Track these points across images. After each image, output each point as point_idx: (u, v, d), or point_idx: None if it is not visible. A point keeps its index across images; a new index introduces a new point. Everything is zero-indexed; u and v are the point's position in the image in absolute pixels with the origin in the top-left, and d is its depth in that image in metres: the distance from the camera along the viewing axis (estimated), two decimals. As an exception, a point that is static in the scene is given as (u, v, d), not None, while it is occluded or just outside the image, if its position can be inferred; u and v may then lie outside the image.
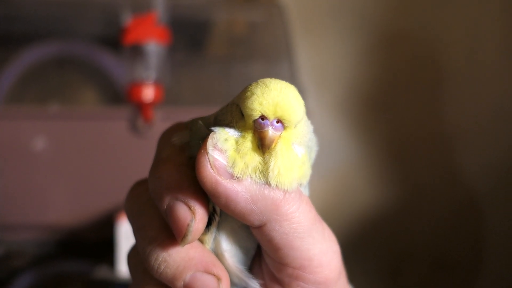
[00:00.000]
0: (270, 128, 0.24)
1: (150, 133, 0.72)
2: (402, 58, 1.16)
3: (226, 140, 0.24)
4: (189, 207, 0.24)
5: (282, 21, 0.80)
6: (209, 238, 0.26)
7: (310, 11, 1.06)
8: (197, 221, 0.24)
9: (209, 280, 0.25)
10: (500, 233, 1.15)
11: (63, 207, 0.72)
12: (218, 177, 0.23)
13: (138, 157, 0.71)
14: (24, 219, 0.73)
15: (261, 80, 0.25)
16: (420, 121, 1.14)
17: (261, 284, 0.27)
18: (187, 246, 0.25)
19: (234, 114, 0.25)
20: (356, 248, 1.24)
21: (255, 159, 0.24)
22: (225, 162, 0.24)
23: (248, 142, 0.24)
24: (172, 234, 0.25)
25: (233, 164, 0.24)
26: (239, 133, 0.25)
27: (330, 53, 1.11)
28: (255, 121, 0.24)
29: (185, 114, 0.77)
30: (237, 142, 0.24)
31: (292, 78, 0.78)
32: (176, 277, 0.25)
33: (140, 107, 0.71)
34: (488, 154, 1.15)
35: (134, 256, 0.28)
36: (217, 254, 0.26)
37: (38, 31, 0.82)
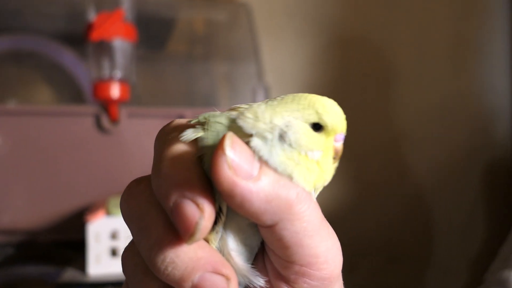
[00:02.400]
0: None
1: (116, 131, 0.70)
2: (354, 59, 1.20)
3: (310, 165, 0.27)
4: (197, 205, 0.24)
5: (248, 20, 0.80)
6: (215, 238, 0.26)
7: (268, 13, 1.07)
8: (206, 218, 0.24)
9: (218, 280, 0.25)
10: (446, 225, 1.22)
11: (21, 209, 0.69)
12: (235, 178, 0.23)
13: (105, 155, 0.70)
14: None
15: (316, 96, 0.28)
16: (371, 120, 1.19)
17: (266, 281, 0.27)
18: (194, 246, 0.25)
19: (304, 131, 0.27)
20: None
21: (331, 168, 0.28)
22: (244, 161, 0.24)
23: (329, 157, 0.28)
24: (178, 235, 0.25)
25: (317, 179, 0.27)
26: (318, 151, 0.27)
27: (289, 53, 1.13)
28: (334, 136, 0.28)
29: (151, 113, 0.77)
30: (318, 162, 0.27)
31: (259, 77, 0.79)
32: (184, 278, 0.24)
33: (106, 105, 0.69)
34: (434, 152, 1.21)
35: (132, 256, 0.27)
36: (223, 253, 0.26)
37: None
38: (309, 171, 0.27)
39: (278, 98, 0.28)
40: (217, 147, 0.24)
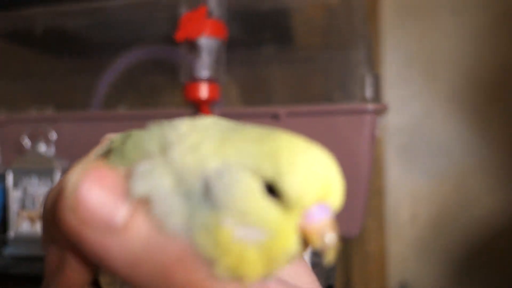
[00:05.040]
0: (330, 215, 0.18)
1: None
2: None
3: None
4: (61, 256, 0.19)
5: (359, 3, 0.70)
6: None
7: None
8: (67, 272, 0.18)
9: None
10: None
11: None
12: (83, 229, 0.17)
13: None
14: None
15: (286, 137, 0.18)
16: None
17: None
18: None
19: (246, 191, 0.17)
20: (476, 260, 1.07)
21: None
22: (103, 203, 0.17)
23: (289, 241, 0.17)
24: None
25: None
26: (264, 232, 0.17)
27: (441, 36, 0.96)
28: (306, 210, 0.17)
29: (245, 112, 0.73)
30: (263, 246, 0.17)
31: (369, 67, 0.68)
32: None
33: (197, 106, 0.68)
34: None
35: None
36: None
37: (117, 37, 0.85)
38: (230, 254, 0.17)
39: (247, 127, 0.19)
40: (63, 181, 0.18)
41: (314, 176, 0.17)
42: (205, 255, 0.17)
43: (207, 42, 0.65)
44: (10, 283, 0.73)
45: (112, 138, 0.21)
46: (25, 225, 0.69)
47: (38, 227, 0.69)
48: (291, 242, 0.17)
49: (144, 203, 0.17)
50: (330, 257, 0.17)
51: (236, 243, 0.17)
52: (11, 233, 0.69)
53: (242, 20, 0.72)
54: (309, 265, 0.22)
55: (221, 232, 0.17)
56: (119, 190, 0.17)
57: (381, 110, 0.66)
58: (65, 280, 0.18)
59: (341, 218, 0.73)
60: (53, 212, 0.18)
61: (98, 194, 0.17)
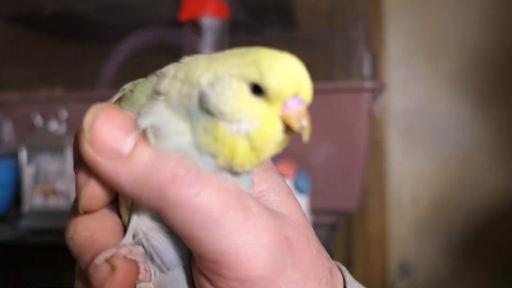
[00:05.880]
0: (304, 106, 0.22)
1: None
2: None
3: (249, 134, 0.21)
4: (88, 174, 0.22)
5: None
6: (125, 215, 0.24)
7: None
8: (91, 185, 0.22)
9: (103, 270, 0.22)
10: None
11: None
12: (97, 157, 0.21)
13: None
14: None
15: (265, 50, 0.22)
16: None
17: (194, 274, 0.23)
18: (93, 225, 0.23)
19: (236, 93, 0.21)
20: (476, 242, 1.09)
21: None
22: (112, 137, 0.21)
23: (273, 129, 0.22)
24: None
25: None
26: (252, 121, 0.21)
27: (445, 18, 0.97)
28: (285, 101, 0.22)
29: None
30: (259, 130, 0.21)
31: (367, 47, 0.71)
32: (79, 258, 0.23)
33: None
34: None
35: None
36: (138, 231, 0.23)
37: (123, 20, 0.87)
38: (226, 147, 0.21)
39: (233, 51, 0.23)
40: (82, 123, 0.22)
41: (289, 75, 0.21)
42: (207, 151, 0.21)
43: (210, 22, 0.68)
44: (26, 254, 0.76)
45: (124, 86, 0.25)
46: (39, 199, 0.72)
47: (51, 201, 0.72)
48: (276, 129, 0.22)
49: (148, 135, 0.21)
50: (306, 136, 0.22)
51: (230, 136, 0.21)
52: (26, 207, 0.73)
53: (247, 2, 0.74)
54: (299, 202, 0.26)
55: (217, 130, 0.21)
56: (126, 126, 0.21)
57: (379, 88, 0.69)
58: (89, 193, 0.22)
59: (340, 192, 0.76)
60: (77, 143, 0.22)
61: (108, 129, 0.21)
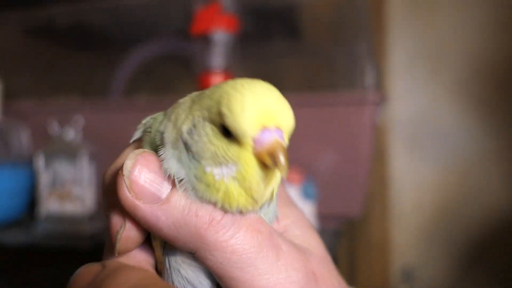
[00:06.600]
0: (277, 136, 0.20)
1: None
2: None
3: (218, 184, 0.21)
4: (123, 217, 0.23)
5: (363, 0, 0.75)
6: (159, 251, 0.24)
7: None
8: (127, 228, 0.23)
9: None
10: None
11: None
12: (136, 201, 0.22)
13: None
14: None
15: (229, 85, 0.21)
16: None
17: None
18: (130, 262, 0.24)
19: (210, 138, 0.21)
20: (482, 253, 1.09)
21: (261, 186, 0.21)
22: (150, 182, 0.22)
23: (254, 168, 0.21)
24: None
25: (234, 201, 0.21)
26: (233, 166, 0.21)
27: (447, 29, 1.00)
28: (254, 138, 0.20)
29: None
30: (237, 177, 0.21)
31: (370, 59, 0.73)
32: None
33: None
34: None
35: None
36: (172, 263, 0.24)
37: (135, 32, 0.90)
38: (219, 192, 0.21)
39: (211, 89, 0.23)
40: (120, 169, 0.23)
41: (251, 108, 0.20)
42: (206, 200, 0.22)
43: (220, 36, 0.71)
44: (41, 257, 0.79)
45: (143, 122, 0.26)
46: (55, 204, 0.75)
47: (66, 206, 0.75)
48: (255, 169, 0.21)
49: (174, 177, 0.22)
50: (283, 173, 0.20)
51: (218, 181, 0.21)
52: (42, 211, 0.75)
53: (255, 15, 0.77)
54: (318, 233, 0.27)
55: (206, 176, 0.21)
56: (160, 171, 0.22)
57: (381, 99, 0.71)
58: (125, 236, 0.23)
59: (344, 199, 0.78)
60: (113, 187, 0.23)
61: (147, 174, 0.22)
